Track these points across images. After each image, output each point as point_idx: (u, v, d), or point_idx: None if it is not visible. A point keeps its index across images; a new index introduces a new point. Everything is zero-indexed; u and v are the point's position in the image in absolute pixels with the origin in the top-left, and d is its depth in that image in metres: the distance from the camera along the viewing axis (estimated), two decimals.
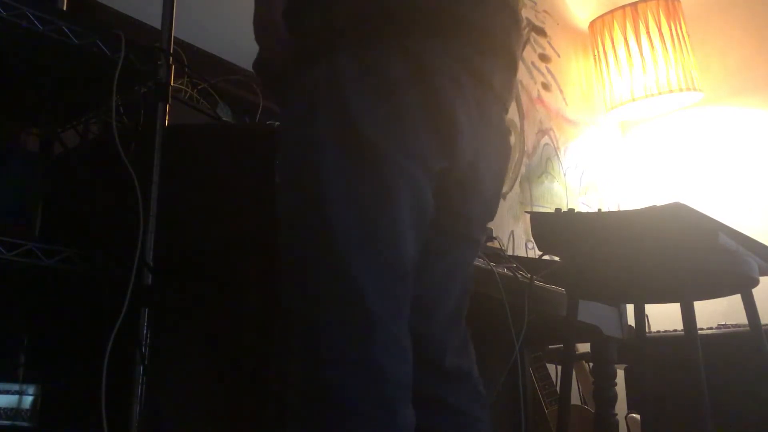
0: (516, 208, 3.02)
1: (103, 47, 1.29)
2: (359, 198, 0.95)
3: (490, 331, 1.90)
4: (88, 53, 1.29)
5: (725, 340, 2.49)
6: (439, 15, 1.02)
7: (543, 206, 3.18)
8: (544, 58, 3.45)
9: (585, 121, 3.64)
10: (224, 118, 1.58)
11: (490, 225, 2.07)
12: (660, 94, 3.45)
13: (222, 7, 2.01)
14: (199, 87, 1.64)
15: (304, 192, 0.98)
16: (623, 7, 3.60)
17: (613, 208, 3.58)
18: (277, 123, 1.26)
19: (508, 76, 1.13)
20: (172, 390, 1.34)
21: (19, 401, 1.26)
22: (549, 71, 3.46)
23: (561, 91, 3.53)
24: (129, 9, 1.74)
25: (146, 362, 1.22)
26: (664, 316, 2.56)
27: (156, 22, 1.43)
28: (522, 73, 3.25)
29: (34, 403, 1.27)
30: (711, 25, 3.69)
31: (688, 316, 1.59)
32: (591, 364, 2.24)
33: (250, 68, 1.17)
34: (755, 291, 1.70)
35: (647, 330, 2.21)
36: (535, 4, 3.45)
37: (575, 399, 2.47)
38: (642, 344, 2.00)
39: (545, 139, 3.33)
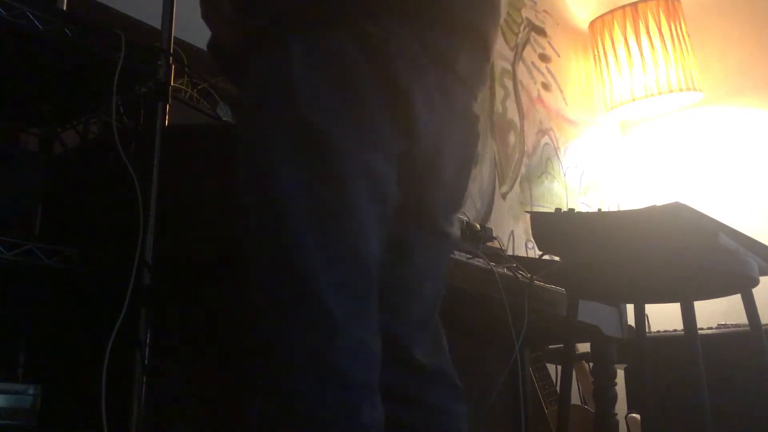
0: (516, 208, 3.02)
1: (103, 47, 1.29)
2: (313, 193, 0.91)
3: (490, 331, 1.90)
4: (88, 53, 1.29)
5: (725, 340, 2.49)
6: None
7: (543, 206, 3.18)
8: (544, 58, 3.45)
9: (585, 121, 3.64)
10: (224, 118, 1.58)
11: (490, 225, 2.07)
12: (660, 94, 3.45)
13: None
14: (199, 87, 1.64)
15: (258, 187, 0.94)
16: (623, 7, 3.60)
17: (613, 208, 3.58)
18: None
19: (476, 59, 1.07)
20: (172, 390, 1.34)
21: (19, 401, 1.25)
22: (549, 71, 3.47)
23: (561, 91, 3.53)
24: (129, 9, 1.74)
25: (146, 362, 1.22)
26: (664, 316, 2.56)
27: (156, 22, 1.43)
28: (522, 73, 3.26)
29: (34, 403, 1.27)
30: (711, 25, 3.69)
31: (688, 316, 1.59)
32: (591, 364, 2.24)
33: None
34: (755, 291, 1.70)
35: (647, 330, 2.21)
36: (535, 4, 3.45)
37: (575, 399, 2.47)
38: (642, 344, 2.00)
39: (545, 139, 3.33)
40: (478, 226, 1.80)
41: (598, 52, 3.66)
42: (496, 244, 1.88)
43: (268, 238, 0.93)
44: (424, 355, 1.07)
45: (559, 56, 3.57)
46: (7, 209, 1.29)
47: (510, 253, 2.21)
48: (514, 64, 3.21)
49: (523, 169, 3.12)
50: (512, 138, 3.11)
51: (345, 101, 0.93)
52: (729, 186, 3.49)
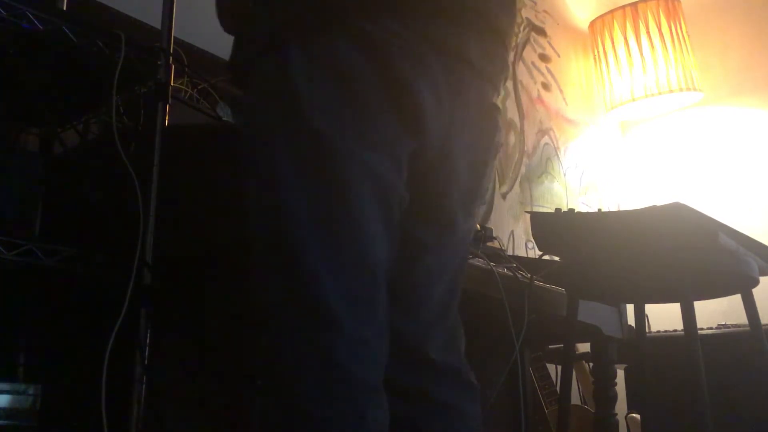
0: (516, 208, 3.02)
1: (103, 47, 1.29)
2: (315, 195, 0.91)
3: (490, 331, 1.90)
4: (88, 53, 1.29)
5: (725, 340, 2.49)
6: None
7: (543, 206, 3.18)
8: (544, 58, 3.45)
9: (585, 121, 3.64)
10: (224, 118, 1.58)
11: (490, 225, 2.07)
12: (660, 94, 3.45)
13: None
14: (199, 87, 1.64)
15: (262, 191, 0.94)
16: (623, 7, 3.60)
17: (613, 208, 3.58)
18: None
19: (490, 47, 1.05)
20: (172, 390, 1.34)
21: (19, 401, 1.25)
22: (549, 71, 3.46)
23: (561, 91, 3.53)
24: (129, 9, 1.74)
25: (146, 362, 1.22)
26: (664, 316, 2.56)
27: (156, 22, 1.43)
28: (522, 73, 3.26)
29: (34, 403, 1.27)
30: (711, 25, 3.69)
31: (688, 316, 1.59)
32: (591, 364, 2.24)
33: None
34: (755, 291, 1.70)
35: (647, 330, 2.21)
36: (535, 4, 3.45)
37: (575, 399, 2.47)
38: (642, 344, 2.00)
39: (545, 139, 3.33)
40: (478, 226, 1.80)
41: (598, 52, 3.66)
42: (496, 244, 1.88)
43: (272, 241, 0.93)
44: (437, 352, 1.07)
45: (559, 56, 3.57)
46: (7, 209, 1.29)
47: (510, 253, 2.21)
48: (514, 64, 3.21)
49: (523, 169, 3.12)
50: (512, 138, 3.11)
51: (346, 104, 0.92)
52: (729, 186, 3.49)
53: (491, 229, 1.84)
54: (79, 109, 1.56)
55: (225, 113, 1.61)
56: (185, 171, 1.38)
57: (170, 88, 1.36)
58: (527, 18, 3.37)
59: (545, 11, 3.51)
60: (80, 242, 1.29)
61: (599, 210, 3.11)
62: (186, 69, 1.56)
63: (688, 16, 3.59)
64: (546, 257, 1.85)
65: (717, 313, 2.58)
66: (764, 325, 1.74)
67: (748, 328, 1.73)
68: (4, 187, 1.30)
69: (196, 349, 1.38)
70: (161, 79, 1.36)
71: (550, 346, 2.53)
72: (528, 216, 1.98)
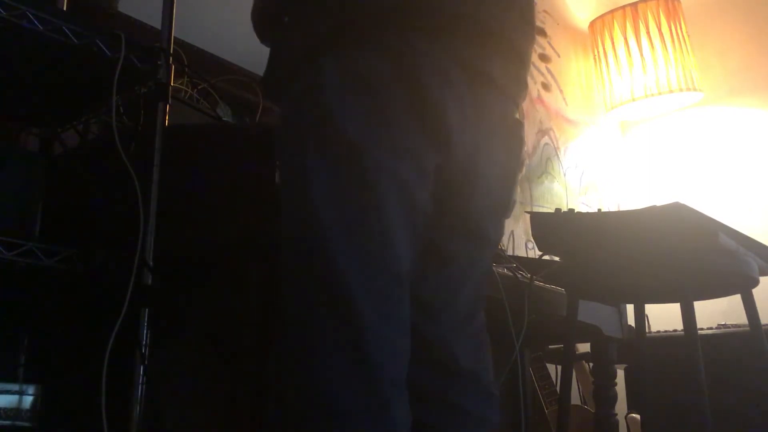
0: (516, 208, 3.02)
1: (103, 47, 1.29)
2: (343, 200, 0.95)
3: (490, 331, 1.90)
4: (88, 53, 1.29)
5: (725, 340, 2.49)
6: (424, 10, 1.01)
7: (543, 206, 3.18)
8: (544, 58, 3.45)
9: (585, 121, 3.64)
10: (224, 118, 1.58)
11: None
12: (660, 94, 3.45)
13: (222, 7, 2.01)
14: (199, 87, 1.64)
15: (294, 195, 0.99)
16: (623, 7, 3.60)
17: (613, 208, 3.58)
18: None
19: (512, 67, 1.11)
20: (172, 390, 1.34)
21: (19, 401, 1.26)
22: (549, 71, 3.46)
23: (561, 91, 3.52)
24: (129, 9, 1.74)
25: (146, 362, 1.22)
26: (664, 316, 2.56)
27: (156, 22, 1.43)
28: None
29: (34, 403, 1.27)
30: (711, 25, 3.69)
31: (688, 316, 1.59)
32: (591, 364, 2.24)
33: (250, 68, 1.17)
34: (755, 291, 1.70)
35: (647, 330, 2.21)
36: (535, 4, 3.45)
37: (575, 399, 2.47)
38: (642, 344, 2.00)
39: (545, 139, 3.33)
40: None
41: (598, 52, 3.66)
42: None
43: (303, 243, 0.97)
44: (459, 359, 1.09)
45: (559, 56, 3.57)
46: (7, 209, 1.29)
47: (510, 253, 2.21)
48: None
49: (523, 169, 3.12)
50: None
51: (376, 116, 0.97)
52: (729, 186, 3.49)
53: None
54: (79, 109, 1.56)
55: (225, 113, 1.61)
56: (185, 171, 1.38)
57: (170, 88, 1.36)
58: None
59: (545, 11, 3.51)
60: (80, 242, 1.29)
61: (599, 210, 3.11)
62: (186, 69, 1.56)
63: (688, 16, 3.59)
64: (546, 257, 1.85)
65: (717, 313, 2.58)
66: (764, 325, 1.74)
67: (748, 328, 1.73)
68: (4, 187, 1.30)
69: (196, 349, 1.38)
70: (161, 79, 1.36)
71: (550, 346, 2.53)
72: (528, 216, 1.98)
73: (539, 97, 3.35)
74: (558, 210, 1.72)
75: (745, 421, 2.30)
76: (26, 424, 1.25)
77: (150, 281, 1.26)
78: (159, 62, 1.36)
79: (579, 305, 1.76)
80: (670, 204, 1.54)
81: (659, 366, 2.38)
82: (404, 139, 0.97)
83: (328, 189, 0.95)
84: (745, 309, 1.70)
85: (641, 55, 3.50)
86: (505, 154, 1.13)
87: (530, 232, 1.73)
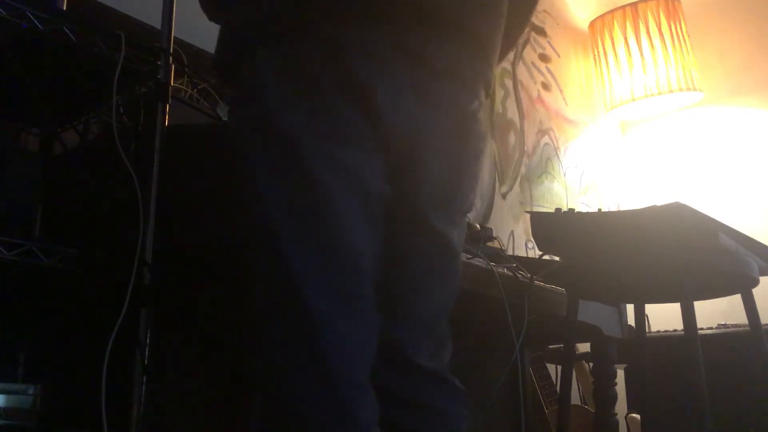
0: (516, 208, 3.02)
1: (103, 47, 1.29)
2: (288, 192, 0.94)
3: (490, 331, 1.90)
4: (88, 53, 1.29)
5: (725, 340, 2.49)
6: None
7: (543, 206, 3.18)
8: (544, 58, 3.45)
9: (585, 121, 3.64)
10: (224, 118, 1.58)
11: (490, 225, 2.06)
12: (660, 94, 3.45)
13: None
14: (199, 87, 1.64)
15: (247, 191, 0.98)
16: (623, 7, 3.60)
17: (613, 208, 3.58)
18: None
19: (466, 55, 1.06)
20: (172, 390, 1.34)
21: (19, 401, 1.25)
22: (549, 71, 3.46)
23: (561, 91, 3.52)
24: (129, 9, 1.74)
25: (146, 362, 1.22)
26: (664, 316, 2.56)
27: (156, 22, 1.43)
28: (522, 73, 3.25)
29: (34, 403, 1.27)
30: (711, 25, 3.69)
31: (688, 316, 1.59)
32: (591, 364, 2.24)
33: None
34: (755, 291, 1.70)
35: (647, 330, 2.21)
36: None
37: (575, 399, 2.47)
38: (642, 344, 2.00)
39: (545, 139, 3.33)
40: (478, 226, 1.80)
41: (598, 52, 3.67)
42: (496, 244, 1.88)
43: (256, 237, 0.97)
44: (424, 359, 1.07)
45: (559, 56, 3.57)
46: (7, 209, 1.29)
47: (510, 253, 2.21)
48: (513, 64, 3.21)
49: (523, 169, 3.12)
50: (512, 138, 3.11)
51: (310, 102, 0.95)
52: (729, 186, 3.49)
53: (491, 229, 1.84)
54: (79, 109, 1.56)
55: (225, 113, 1.61)
56: (185, 171, 1.38)
57: (170, 88, 1.36)
58: None
59: (545, 11, 3.51)
60: (80, 242, 1.29)
61: (599, 210, 3.11)
62: (186, 69, 1.56)
63: (688, 16, 3.59)
64: (546, 257, 1.84)
65: (717, 313, 2.58)
66: (764, 325, 1.74)
67: (748, 328, 1.73)
68: (4, 187, 1.30)
69: (196, 349, 1.38)
70: (161, 79, 1.36)
71: (550, 346, 2.53)
72: (528, 216, 1.98)
73: (539, 97, 3.35)
74: (558, 210, 1.72)
75: (745, 421, 2.30)
76: (26, 424, 1.25)
77: (150, 281, 1.26)
78: (159, 62, 1.36)
79: (579, 305, 1.76)
80: (670, 204, 1.54)
81: (659, 366, 2.38)
82: (343, 126, 0.95)
83: (274, 183, 0.94)
84: (745, 309, 1.70)
85: (641, 55, 3.51)
86: (456, 144, 1.07)
87: (530, 232, 1.73)
